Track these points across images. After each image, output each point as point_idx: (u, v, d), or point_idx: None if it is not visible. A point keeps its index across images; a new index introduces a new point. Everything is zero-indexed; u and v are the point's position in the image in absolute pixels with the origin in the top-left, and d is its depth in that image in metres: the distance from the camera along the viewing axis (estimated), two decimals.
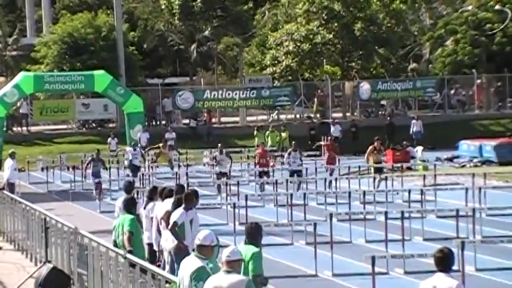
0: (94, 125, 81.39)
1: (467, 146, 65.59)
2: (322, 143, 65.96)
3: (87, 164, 49.52)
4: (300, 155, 49.15)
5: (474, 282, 22.39)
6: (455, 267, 18.55)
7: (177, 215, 23.25)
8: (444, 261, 15.13)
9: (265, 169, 48.45)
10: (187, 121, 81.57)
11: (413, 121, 74.74)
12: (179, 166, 59.05)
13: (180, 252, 20.85)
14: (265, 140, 71.30)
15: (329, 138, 61.18)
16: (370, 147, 48.73)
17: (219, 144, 52.51)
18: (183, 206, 23.66)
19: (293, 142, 53.77)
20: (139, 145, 52.93)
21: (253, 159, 57.23)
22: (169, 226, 23.40)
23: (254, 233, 17.87)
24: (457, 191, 42.19)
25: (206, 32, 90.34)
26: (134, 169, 51.40)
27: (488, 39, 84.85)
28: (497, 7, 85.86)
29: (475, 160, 61.68)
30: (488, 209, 37.34)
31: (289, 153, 49.07)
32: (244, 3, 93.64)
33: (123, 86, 72.70)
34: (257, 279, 16.51)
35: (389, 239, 31.03)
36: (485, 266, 24.28)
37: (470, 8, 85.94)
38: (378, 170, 48.10)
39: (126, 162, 56.83)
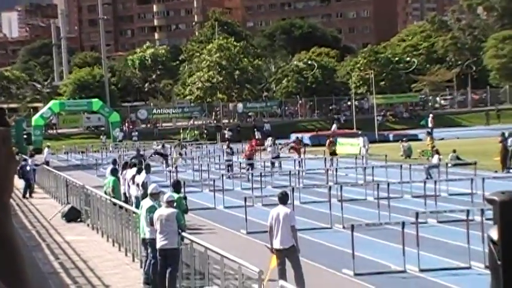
0: (93, 129, 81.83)
1: (295, 136, 59.12)
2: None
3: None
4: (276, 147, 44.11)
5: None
6: None
7: (143, 176, 21.89)
8: (283, 199, 14.62)
9: (251, 161, 40.05)
10: (143, 126, 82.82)
11: (266, 124, 75.52)
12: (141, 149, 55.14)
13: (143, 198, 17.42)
14: (186, 135, 72.30)
15: (255, 138, 58.15)
16: (328, 141, 45.02)
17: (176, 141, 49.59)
18: (145, 171, 22.23)
19: (270, 138, 48.48)
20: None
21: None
22: (141, 182, 21.54)
23: (177, 186, 17.17)
24: (290, 160, 41.57)
25: (153, 77, 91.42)
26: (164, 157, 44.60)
27: (305, 79, 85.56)
28: (309, 62, 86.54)
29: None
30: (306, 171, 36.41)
31: (270, 146, 43.33)
32: (175, 60, 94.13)
33: (108, 107, 76.91)
34: (182, 211, 15.12)
35: None
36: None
37: (295, 62, 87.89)
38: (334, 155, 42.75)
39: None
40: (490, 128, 69.36)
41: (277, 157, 42.34)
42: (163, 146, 47.92)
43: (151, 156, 45.07)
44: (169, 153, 45.38)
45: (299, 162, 40.06)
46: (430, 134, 46.73)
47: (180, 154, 46.29)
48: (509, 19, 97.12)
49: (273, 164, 39.84)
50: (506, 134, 36.94)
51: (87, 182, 27.58)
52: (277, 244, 14.14)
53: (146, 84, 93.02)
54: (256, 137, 63.11)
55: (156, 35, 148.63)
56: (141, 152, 38.88)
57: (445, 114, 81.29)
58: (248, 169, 37.74)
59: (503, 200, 6.18)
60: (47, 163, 40.98)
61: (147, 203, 15.04)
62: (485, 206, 16.46)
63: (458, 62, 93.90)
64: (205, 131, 74.60)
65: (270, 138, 59.00)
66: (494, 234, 6.24)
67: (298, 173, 32.86)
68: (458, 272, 15.75)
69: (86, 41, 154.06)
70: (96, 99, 74.25)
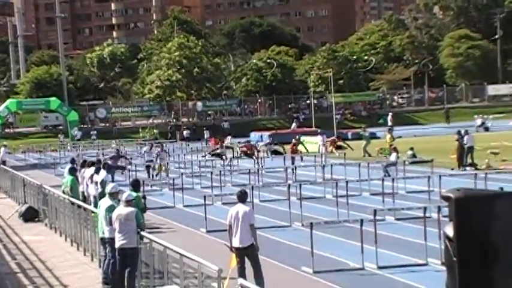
0: (51, 127, 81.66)
1: (255, 135, 65.34)
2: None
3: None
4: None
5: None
6: None
7: (103, 175, 21.95)
8: (242, 197, 14.68)
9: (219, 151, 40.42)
10: (102, 124, 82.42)
11: (225, 123, 75.80)
12: (99, 149, 58.22)
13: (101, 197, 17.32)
14: (145, 134, 72.10)
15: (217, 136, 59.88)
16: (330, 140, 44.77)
17: (160, 143, 43.84)
18: (105, 170, 22.45)
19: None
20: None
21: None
22: (100, 181, 21.55)
23: (136, 185, 17.27)
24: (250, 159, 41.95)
25: (112, 75, 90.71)
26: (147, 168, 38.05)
27: (264, 77, 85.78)
28: (268, 61, 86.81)
29: (258, 142, 57.33)
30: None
31: (266, 145, 43.88)
32: (134, 59, 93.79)
33: (66, 106, 76.63)
34: (140, 209, 15.06)
35: None
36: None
37: (254, 60, 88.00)
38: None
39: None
40: (446, 126, 70.10)
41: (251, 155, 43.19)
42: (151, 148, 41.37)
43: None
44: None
45: (258, 161, 40.13)
46: (390, 131, 47.00)
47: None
48: (464, 18, 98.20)
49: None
50: (463, 132, 37.32)
51: (45, 182, 27.33)
52: (236, 242, 14.16)
53: (104, 83, 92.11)
54: (205, 137, 64.91)
55: (115, 34, 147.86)
56: (121, 153, 37.05)
57: (402, 113, 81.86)
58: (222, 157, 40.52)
59: (458, 197, 6.28)
60: (4, 162, 40.76)
61: (105, 202, 14.94)
62: (441, 203, 16.35)
63: (415, 61, 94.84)
64: (170, 130, 74.24)
65: (229, 137, 59.82)
66: (449, 231, 6.34)
67: (258, 171, 32.76)
68: (415, 269, 15.88)
69: (44, 39, 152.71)
70: (54, 98, 73.87)
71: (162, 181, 33.16)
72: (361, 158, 40.87)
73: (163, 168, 36.98)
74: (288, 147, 45.52)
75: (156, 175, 36.55)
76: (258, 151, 44.66)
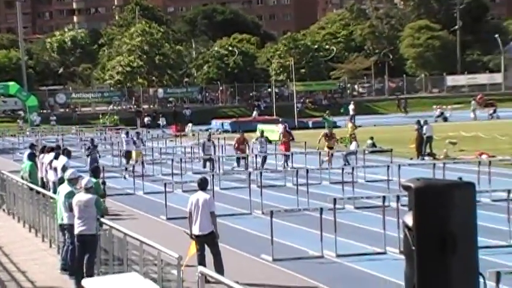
0: (9, 112, 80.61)
1: (215, 123, 65.40)
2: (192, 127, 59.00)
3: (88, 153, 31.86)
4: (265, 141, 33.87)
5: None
6: None
7: (63, 160, 21.83)
8: (203, 184, 14.67)
9: (243, 155, 32.59)
10: (62, 110, 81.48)
11: (186, 110, 75.08)
12: (59, 135, 56.85)
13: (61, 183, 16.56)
14: (105, 120, 72.51)
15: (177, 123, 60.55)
16: (323, 133, 35.60)
17: (209, 131, 41.04)
18: (65, 156, 22.23)
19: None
20: (129, 133, 36.72)
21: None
22: (61, 166, 21.29)
23: (96, 171, 17.14)
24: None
25: (72, 60, 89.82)
26: (127, 154, 35.04)
27: (226, 65, 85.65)
28: (230, 48, 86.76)
29: (219, 130, 61.04)
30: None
31: (256, 139, 33.54)
32: (94, 44, 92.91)
33: (26, 90, 75.37)
34: (99, 195, 15.16)
35: None
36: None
37: (216, 48, 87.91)
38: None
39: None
40: (403, 116, 70.69)
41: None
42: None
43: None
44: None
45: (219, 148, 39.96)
46: (352, 120, 47.15)
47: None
48: (425, 9, 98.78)
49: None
50: (422, 122, 37.61)
51: (3, 167, 26.87)
52: (196, 230, 14.14)
53: (64, 68, 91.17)
54: (161, 124, 64.57)
55: (75, 18, 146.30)
56: (95, 143, 33.34)
57: (362, 102, 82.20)
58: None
59: (418, 187, 6.34)
60: None
61: (64, 188, 14.80)
62: (400, 192, 16.80)
63: (375, 51, 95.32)
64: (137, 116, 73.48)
65: (190, 124, 61.41)
66: (409, 220, 6.40)
67: (219, 159, 32.72)
68: (374, 257, 15.99)
69: (3, 23, 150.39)
70: (12, 83, 73.09)
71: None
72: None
73: (139, 156, 34.76)
74: (249, 135, 45.71)
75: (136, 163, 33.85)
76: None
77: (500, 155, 31.01)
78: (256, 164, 31.49)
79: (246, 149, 33.39)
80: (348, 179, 24.77)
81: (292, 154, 32.76)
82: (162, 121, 67.21)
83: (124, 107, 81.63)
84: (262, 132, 35.39)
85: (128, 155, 35.11)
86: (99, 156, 33.04)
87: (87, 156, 31.75)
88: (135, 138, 36.24)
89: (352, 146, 34.88)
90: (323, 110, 71.86)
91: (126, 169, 31.85)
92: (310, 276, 14.59)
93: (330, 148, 33.65)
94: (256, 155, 32.32)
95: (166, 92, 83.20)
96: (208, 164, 32.42)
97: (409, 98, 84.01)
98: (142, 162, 31.45)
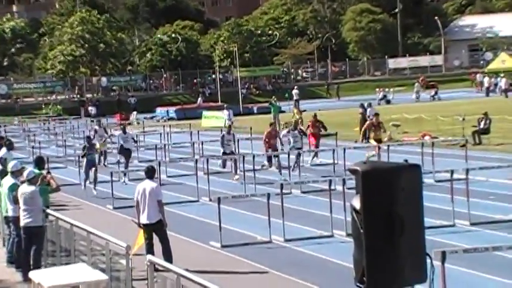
0: None
1: (160, 110, 64.92)
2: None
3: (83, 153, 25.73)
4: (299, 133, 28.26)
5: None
6: None
7: (2, 152, 20.56)
8: (150, 173, 14.67)
9: (275, 152, 26.72)
10: (4, 101, 79.90)
11: (131, 98, 73.40)
12: (1, 126, 54.45)
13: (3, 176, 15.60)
14: (48, 110, 71.22)
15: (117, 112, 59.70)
16: (368, 122, 30.03)
17: (230, 123, 34.39)
18: (6, 148, 20.89)
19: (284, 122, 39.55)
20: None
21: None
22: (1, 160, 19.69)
23: (40, 162, 16.12)
24: (156, 134, 40.36)
25: (13, 50, 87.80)
26: (125, 151, 29.00)
27: (169, 52, 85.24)
28: (173, 35, 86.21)
29: (164, 118, 60.69)
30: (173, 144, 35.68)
31: (289, 131, 28.26)
32: (35, 34, 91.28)
33: None
34: (45, 186, 14.39)
35: None
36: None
37: (159, 35, 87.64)
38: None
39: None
40: (337, 100, 71.45)
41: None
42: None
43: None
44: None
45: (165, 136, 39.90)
46: (297, 105, 47.30)
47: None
48: None
49: None
50: (366, 105, 37.77)
51: None
52: (144, 219, 14.12)
53: (5, 59, 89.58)
54: (93, 112, 63.83)
55: (14, 8, 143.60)
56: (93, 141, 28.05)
57: (306, 87, 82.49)
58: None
59: (364, 170, 6.40)
60: None
61: (8, 180, 14.61)
62: (346, 175, 17.04)
63: (318, 35, 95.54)
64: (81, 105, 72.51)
65: (134, 113, 60.95)
66: (356, 203, 6.45)
67: (165, 146, 32.51)
68: (321, 241, 16.10)
69: None
70: None
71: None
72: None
73: (103, 149, 32.09)
74: (194, 122, 45.61)
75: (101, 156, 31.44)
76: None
77: (443, 136, 31.45)
78: (288, 162, 25.36)
79: (279, 145, 27.33)
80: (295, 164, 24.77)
81: (238, 140, 31.23)
82: (93, 110, 66.14)
83: (67, 96, 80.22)
84: (296, 123, 29.94)
85: (127, 153, 28.95)
86: (102, 153, 30.33)
87: (82, 157, 25.65)
88: (96, 127, 33.78)
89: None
90: (268, 95, 71.98)
91: (124, 174, 26.35)
92: (258, 261, 14.67)
93: (378, 141, 27.44)
94: (288, 152, 26.22)
95: (110, 81, 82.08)
96: (229, 163, 26.77)
97: (352, 82, 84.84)
98: (105, 152, 30.68)
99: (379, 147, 26.26)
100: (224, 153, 26.63)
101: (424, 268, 6.26)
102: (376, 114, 28.95)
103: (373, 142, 27.51)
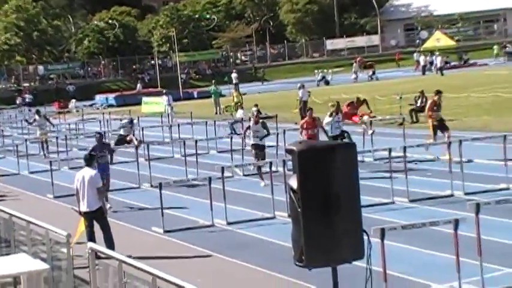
0: None
1: (99, 97, 64.50)
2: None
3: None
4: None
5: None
6: None
7: None
8: (89, 161, 14.65)
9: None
10: None
11: (70, 86, 73.37)
12: None
13: None
14: None
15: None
16: (430, 101, 23.26)
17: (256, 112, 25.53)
18: None
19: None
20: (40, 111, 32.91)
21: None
22: None
23: None
24: (96, 122, 40.61)
25: None
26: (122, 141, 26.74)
27: (106, 39, 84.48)
28: (110, 21, 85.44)
29: (104, 105, 60.31)
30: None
31: (331, 114, 22.53)
32: None
33: None
34: None
35: None
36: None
37: (95, 22, 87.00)
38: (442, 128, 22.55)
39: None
40: (288, 81, 71.78)
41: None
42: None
43: None
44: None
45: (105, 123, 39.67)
46: (236, 89, 47.39)
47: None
48: None
49: None
50: (298, 86, 37.90)
51: None
52: (84, 207, 14.10)
53: None
54: (27, 100, 62.60)
55: None
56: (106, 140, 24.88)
57: (246, 70, 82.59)
58: None
59: (300, 149, 6.49)
60: None
61: None
62: (286, 157, 17.03)
63: (256, 18, 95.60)
64: (16, 94, 70.60)
65: (73, 100, 60.35)
66: (293, 183, 6.54)
67: (104, 134, 32.23)
68: (263, 223, 16.24)
69: None
70: None
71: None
72: (213, 116, 41.02)
73: (44, 138, 31.20)
74: (134, 108, 45.23)
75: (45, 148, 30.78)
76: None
77: (381, 115, 31.73)
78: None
79: (320, 135, 21.82)
80: (237, 147, 24.63)
81: (178, 125, 31.95)
82: (27, 98, 64.54)
83: (3, 86, 78.94)
84: (337, 105, 23.61)
85: (122, 141, 26.48)
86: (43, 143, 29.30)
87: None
88: (36, 117, 32.28)
89: (238, 114, 34.96)
90: (208, 79, 71.96)
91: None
92: (202, 245, 14.71)
93: (441, 121, 22.59)
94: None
95: (47, 69, 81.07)
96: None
97: (290, 64, 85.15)
98: (46, 141, 30.26)
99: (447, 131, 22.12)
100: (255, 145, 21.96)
101: (361, 245, 6.41)
102: (439, 92, 22.82)
103: (430, 123, 22.55)
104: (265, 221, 16.37)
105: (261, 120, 22.35)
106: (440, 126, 22.33)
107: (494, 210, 12.48)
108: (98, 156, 17.59)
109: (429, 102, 23.24)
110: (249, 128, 22.18)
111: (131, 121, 29.61)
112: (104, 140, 20.54)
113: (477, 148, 21.14)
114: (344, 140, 21.73)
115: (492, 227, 13.00)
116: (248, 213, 17.11)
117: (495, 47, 76.73)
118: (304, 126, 21.54)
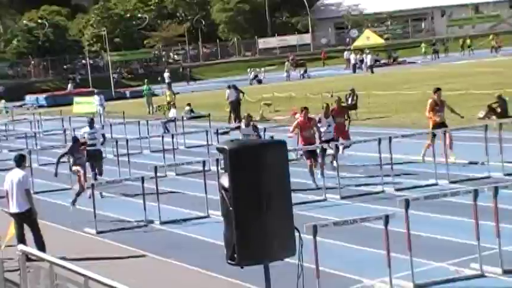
0: None
1: (29, 98, 63.77)
2: None
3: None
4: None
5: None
6: None
7: None
8: (19, 161, 14.36)
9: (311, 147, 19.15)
10: None
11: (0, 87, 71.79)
12: None
13: None
14: None
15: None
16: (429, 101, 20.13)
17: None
18: None
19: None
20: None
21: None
22: None
23: None
24: (26, 123, 40.49)
25: None
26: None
27: (36, 38, 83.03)
28: (40, 21, 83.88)
29: (34, 105, 59.07)
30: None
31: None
32: None
33: None
34: None
35: None
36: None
37: (24, 21, 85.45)
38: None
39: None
40: (222, 80, 71.85)
41: None
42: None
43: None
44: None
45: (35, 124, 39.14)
46: (169, 88, 47.25)
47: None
48: None
49: None
50: (227, 86, 37.90)
51: None
52: (13, 208, 13.90)
53: None
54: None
55: None
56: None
57: (178, 69, 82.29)
58: None
59: (232, 148, 6.51)
60: None
61: None
62: (219, 156, 17.03)
63: (188, 17, 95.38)
64: None
65: (2, 101, 58.76)
66: (225, 181, 6.55)
67: (35, 134, 31.85)
68: (197, 222, 16.24)
69: None
70: None
71: None
72: (146, 114, 40.84)
73: None
74: (65, 109, 44.64)
75: None
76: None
77: (313, 113, 31.97)
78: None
79: (316, 137, 19.87)
80: (169, 147, 24.63)
81: (111, 125, 31.66)
82: None
83: None
84: (327, 107, 21.68)
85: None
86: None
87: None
88: None
89: (171, 114, 34.87)
90: (140, 79, 71.46)
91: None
92: (136, 245, 14.61)
93: (442, 125, 19.81)
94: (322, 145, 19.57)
95: None
96: None
97: (223, 63, 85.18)
98: None
99: (446, 133, 19.18)
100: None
101: (293, 242, 6.45)
102: (438, 90, 20.27)
103: (431, 123, 20.20)
104: (199, 220, 16.33)
105: (251, 123, 20.61)
106: (441, 126, 19.46)
107: (423, 205, 12.65)
108: (76, 158, 18.91)
109: (428, 102, 19.97)
110: (239, 128, 21.21)
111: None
112: (79, 143, 19.90)
113: (407, 144, 21.37)
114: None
115: (421, 222, 13.18)
116: (182, 213, 16.99)
117: (423, 45, 78.20)
118: (299, 129, 19.58)
